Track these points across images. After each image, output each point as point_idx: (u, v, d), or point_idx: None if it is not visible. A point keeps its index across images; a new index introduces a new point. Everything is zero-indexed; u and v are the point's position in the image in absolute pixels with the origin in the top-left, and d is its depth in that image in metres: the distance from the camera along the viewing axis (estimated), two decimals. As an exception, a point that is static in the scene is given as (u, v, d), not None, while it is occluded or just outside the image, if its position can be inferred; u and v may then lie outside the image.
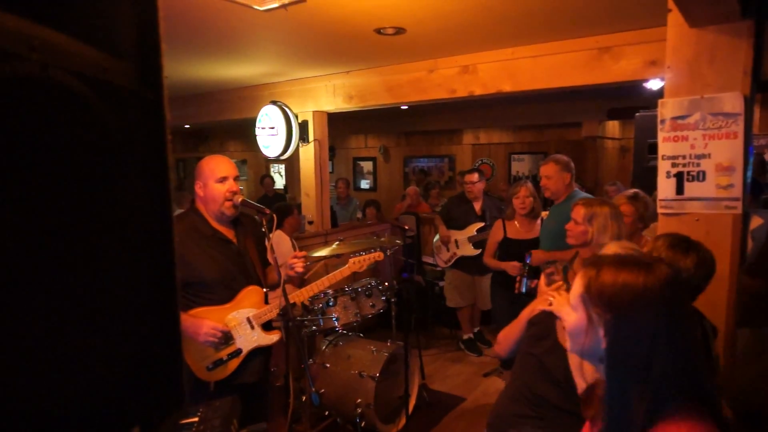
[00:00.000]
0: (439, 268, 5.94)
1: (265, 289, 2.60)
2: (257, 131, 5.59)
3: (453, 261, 5.37)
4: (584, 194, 3.86)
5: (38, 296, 0.52)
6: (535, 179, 9.68)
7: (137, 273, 0.68)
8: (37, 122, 0.53)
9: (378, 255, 3.04)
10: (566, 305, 1.28)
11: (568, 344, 1.26)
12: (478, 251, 4.99)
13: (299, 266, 2.58)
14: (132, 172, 0.68)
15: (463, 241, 5.27)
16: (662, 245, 2.00)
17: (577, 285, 1.20)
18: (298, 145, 5.57)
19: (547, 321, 2.09)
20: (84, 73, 0.59)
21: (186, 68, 5.06)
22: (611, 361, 1.12)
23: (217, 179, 2.43)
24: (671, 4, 2.36)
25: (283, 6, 3.01)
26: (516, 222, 4.27)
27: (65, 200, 0.56)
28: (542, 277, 2.31)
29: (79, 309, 0.58)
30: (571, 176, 3.76)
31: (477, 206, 5.35)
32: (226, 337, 2.43)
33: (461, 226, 5.32)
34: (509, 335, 2.28)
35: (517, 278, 3.45)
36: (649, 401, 1.05)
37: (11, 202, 0.49)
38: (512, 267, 4.05)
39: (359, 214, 7.71)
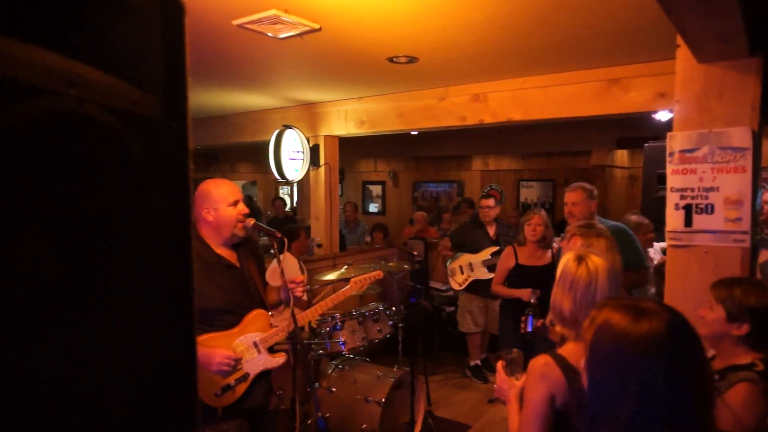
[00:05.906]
0: (451, 293, 5.93)
1: (270, 312, 2.61)
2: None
3: (467, 284, 5.38)
4: (608, 222, 3.69)
5: (64, 316, 0.55)
6: (545, 207, 9.75)
7: (158, 294, 0.71)
8: (73, 154, 0.56)
9: (377, 273, 3.12)
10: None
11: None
12: (492, 275, 4.99)
13: (298, 291, 2.59)
14: (156, 198, 0.71)
15: (477, 264, 5.28)
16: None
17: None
18: (309, 169, 5.61)
19: None
20: (116, 107, 0.62)
21: (202, 92, 5.15)
22: (589, 409, 1.05)
23: (230, 203, 2.45)
24: (680, 40, 2.40)
25: (299, 35, 3.08)
26: (527, 248, 4.26)
27: (95, 224, 0.59)
28: (499, 365, 1.90)
29: (99, 329, 0.60)
30: (596, 205, 3.67)
31: (491, 231, 5.39)
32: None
33: (475, 250, 5.33)
34: None
35: (522, 317, 3.40)
36: None
37: (47, 225, 0.52)
38: (527, 293, 4.02)
39: (367, 238, 7.72)
